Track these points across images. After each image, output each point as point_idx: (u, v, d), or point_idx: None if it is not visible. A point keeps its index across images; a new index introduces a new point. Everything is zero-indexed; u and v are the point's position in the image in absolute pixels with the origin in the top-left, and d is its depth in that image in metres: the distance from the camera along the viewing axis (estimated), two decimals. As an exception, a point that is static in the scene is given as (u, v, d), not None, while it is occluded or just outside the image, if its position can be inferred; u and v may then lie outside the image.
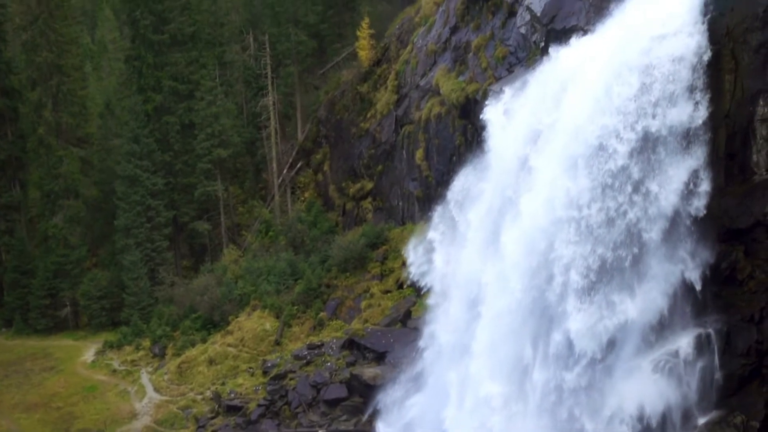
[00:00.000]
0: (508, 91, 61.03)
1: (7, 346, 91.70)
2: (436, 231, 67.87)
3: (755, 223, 44.90)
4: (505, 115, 60.25)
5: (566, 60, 54.66)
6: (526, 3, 64.95)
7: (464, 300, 60.45)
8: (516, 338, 53.83)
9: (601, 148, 48.88)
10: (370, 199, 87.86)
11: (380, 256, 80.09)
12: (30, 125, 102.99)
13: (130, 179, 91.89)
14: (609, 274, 48.90)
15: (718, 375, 46.07)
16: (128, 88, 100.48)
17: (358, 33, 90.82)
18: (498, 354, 54.71)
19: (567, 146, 51.00)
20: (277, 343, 77.86)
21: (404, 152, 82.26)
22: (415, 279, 70.95)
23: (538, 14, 62.12)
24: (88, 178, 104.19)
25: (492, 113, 61.19)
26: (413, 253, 71.19)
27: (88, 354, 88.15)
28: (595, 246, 49.08)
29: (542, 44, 61.28)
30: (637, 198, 48.14)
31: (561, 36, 57.75)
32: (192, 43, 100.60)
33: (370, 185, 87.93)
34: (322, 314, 78.33)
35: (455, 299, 62.04)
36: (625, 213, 48.26)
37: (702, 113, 46.04)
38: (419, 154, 78.84)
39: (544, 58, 58.91)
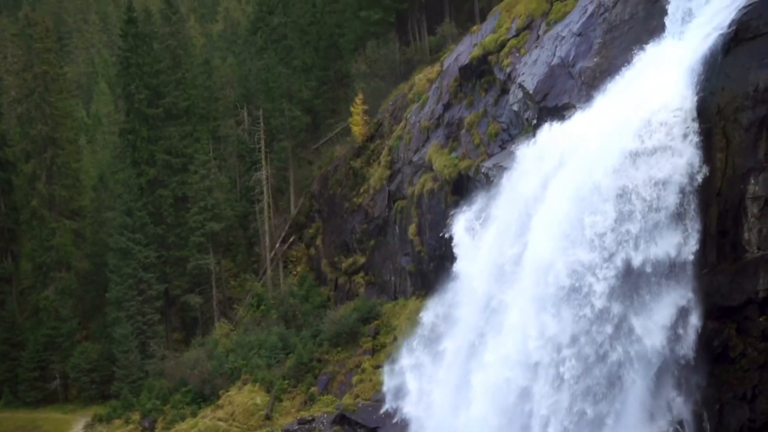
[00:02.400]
0: (477, 204, 59.98)
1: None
2: (410, 357, 66.26)
3: (747, 300, 44.76)
4: (469, 234, 59.14)
5: (527, 176, 51.46)
6: (518, 81, 65.47)
7: None
8: None
9: (575, 289, 45.78)
10: (362, 273, 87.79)
11: (372, 331, 79.82)
12: (23, 197, 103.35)
13: (122, 252, 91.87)
14: (590, 427, 45.74)
15: (711, 453, 45.64)
16: (122, 162, 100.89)
17: (352, 109, 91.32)
18: None
19: (536, 285, 47.53)
20: (268, 417, 77.30)
21: (397, 227, 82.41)
22: (391, 410, 68.78)
23: (531, 92, 62.56)
24: (81, 251, 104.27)
25: (457, 227, 60.34)
26: (388, 378, 69.61)
27: (77, 427, 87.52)
28: (573, 403, 45.90)
29: (534, 121, 61.70)
30: (618, 340, 45.06)
31: (554, 113, 58.24)
32: (186, 117, 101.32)
33: (362, 260, 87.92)
34: (313, 389, 77.86)
35: None
36: (605, 356, 45.44)
37: (692, 245, 44.26)
38: (412, 229, 78.97)
39: (504, 172, 57.35)
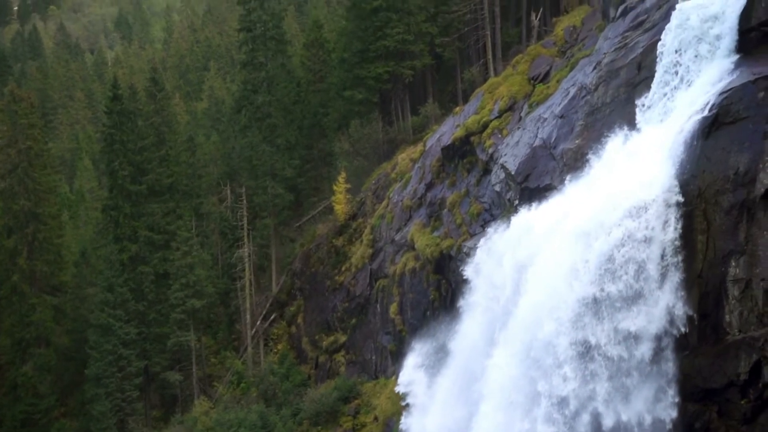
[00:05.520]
0: (432, 342, 58.69)
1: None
2: None
3: (728, 383, 44.59)
4: (419, 372, 57.48)
5: (475, 315, 48.12)
6: (500, 161, 65.92)
7: None
8: None
9: None
10: (343, 352, 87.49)
11: (352, 410, 79.44)
12: (4, 272, 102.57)
13: (102, 328, 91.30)
14: None
15: None
16: (104, 238, 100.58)
17: (335, 187, 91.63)
18: None
19: None
20: (247, 497, 76.64)
21: (378, 306, 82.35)
22: None
23: (513, 172, 62.97)
24: (60, 327, 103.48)
25: (405, 373, 58.99)
26: None
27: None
28: None
29: (516, 202, 61.98)
30: None
31: (535, 194, 58.55)
32: (169, 194, 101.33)
33: (343, 338, 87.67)
34: (293, 468, 77.42)
35: None
36: None
37: (670, 411, 41.59)
38: (393, 308, 78.93)
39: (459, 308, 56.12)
